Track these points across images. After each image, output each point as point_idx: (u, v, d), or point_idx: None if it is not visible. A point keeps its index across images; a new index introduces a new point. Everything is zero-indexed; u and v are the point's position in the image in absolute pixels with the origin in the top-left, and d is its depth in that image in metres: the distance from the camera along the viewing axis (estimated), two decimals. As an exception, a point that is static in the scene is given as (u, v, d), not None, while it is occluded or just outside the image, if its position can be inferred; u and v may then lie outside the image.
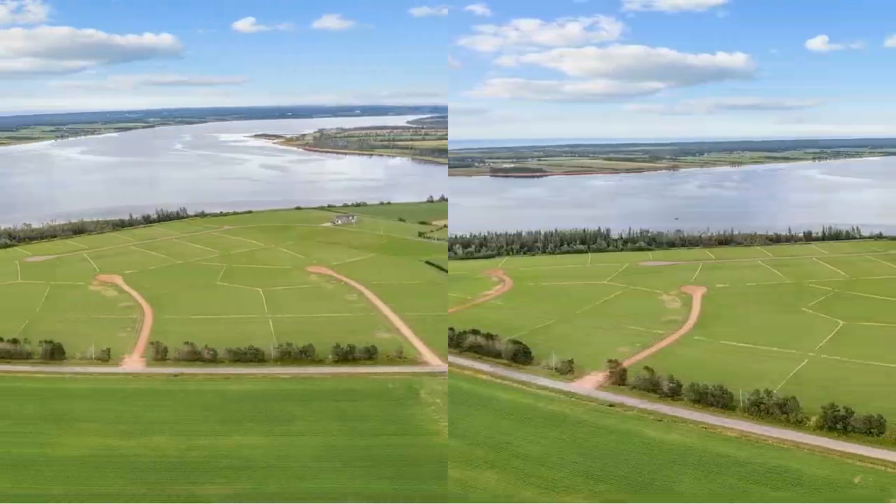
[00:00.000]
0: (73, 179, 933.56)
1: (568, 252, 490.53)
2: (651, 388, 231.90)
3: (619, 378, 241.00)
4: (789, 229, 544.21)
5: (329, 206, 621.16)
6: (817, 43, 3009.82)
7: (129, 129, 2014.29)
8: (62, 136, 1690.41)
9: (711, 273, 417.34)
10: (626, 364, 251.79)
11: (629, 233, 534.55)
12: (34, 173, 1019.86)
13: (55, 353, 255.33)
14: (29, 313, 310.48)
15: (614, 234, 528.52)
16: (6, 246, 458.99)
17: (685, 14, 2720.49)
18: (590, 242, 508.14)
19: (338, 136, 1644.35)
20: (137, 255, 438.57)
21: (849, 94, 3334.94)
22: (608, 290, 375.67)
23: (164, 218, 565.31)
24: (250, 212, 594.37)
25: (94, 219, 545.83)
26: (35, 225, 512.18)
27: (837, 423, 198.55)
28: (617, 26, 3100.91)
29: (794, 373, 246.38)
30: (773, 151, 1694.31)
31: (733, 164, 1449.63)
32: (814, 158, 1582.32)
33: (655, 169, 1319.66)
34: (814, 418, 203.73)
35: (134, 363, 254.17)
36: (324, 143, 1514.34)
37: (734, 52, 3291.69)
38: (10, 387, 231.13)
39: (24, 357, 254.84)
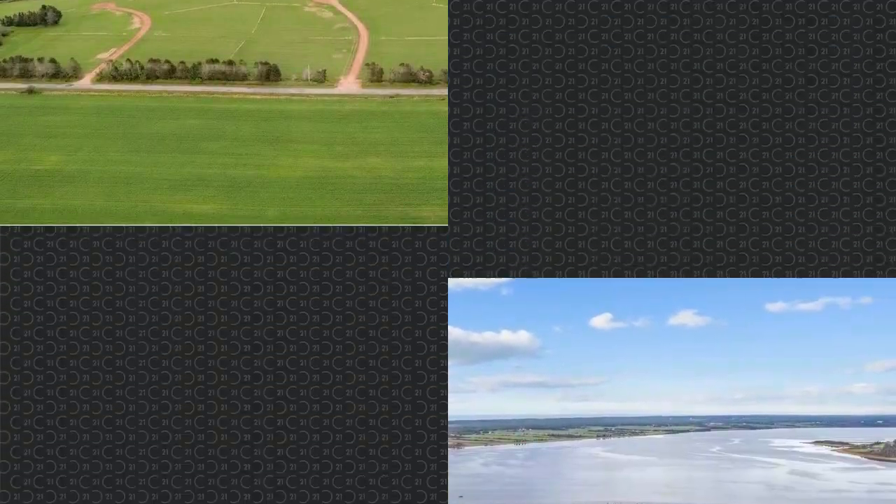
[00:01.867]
0: None
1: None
2: (411, 78, 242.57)
3: (377, 75, 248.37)
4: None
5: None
6: (601, 321, 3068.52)
7: None
8: None
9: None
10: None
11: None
12: None
13: (271, 74, 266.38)
14: (244, 35, 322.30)
15: None
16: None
17: (469, 292, 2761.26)
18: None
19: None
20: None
21: (632, 372, 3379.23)
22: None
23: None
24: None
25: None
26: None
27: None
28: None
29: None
30: (558, 429, 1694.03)
31: (517, 442, 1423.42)
32: (598, 436, 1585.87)
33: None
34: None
35: (349, 84, 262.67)
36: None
37: (518, 329, 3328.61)
38: (227, 108, 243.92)
39: (241, 78, 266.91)
